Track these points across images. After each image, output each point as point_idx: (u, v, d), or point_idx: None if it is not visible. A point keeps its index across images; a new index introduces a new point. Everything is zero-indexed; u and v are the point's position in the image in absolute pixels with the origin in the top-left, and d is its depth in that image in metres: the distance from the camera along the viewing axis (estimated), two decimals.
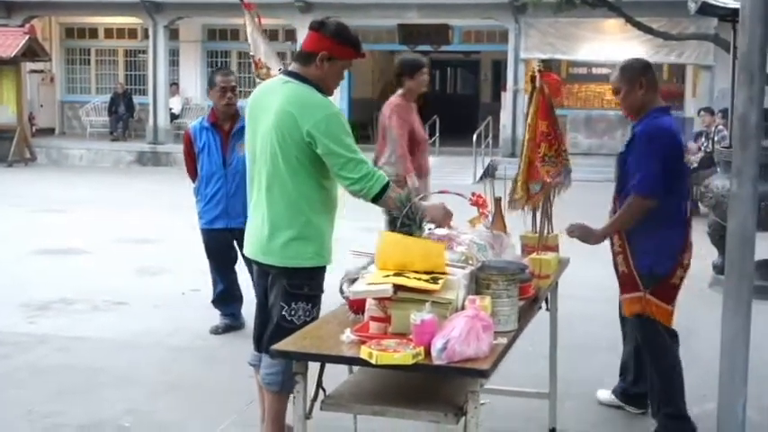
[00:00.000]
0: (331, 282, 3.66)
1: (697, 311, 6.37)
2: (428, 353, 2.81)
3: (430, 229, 3.67)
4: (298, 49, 3.87)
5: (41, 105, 22.71)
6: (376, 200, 3.74)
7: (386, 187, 3.71)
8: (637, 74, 4.46)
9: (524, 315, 3.38)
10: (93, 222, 11.23)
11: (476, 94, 26.41)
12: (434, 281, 3.03)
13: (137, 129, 21.86)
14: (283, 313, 3.78)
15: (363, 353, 2.81)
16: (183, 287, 7.59)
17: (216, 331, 6.20)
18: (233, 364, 5.40)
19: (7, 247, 9.59)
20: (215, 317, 6.33)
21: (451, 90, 28.79)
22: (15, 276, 8.14)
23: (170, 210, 12.00)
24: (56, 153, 20.84)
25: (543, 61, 19.75)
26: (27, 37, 19.49)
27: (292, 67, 3.86)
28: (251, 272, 4.40)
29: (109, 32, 23.30)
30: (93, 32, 23.32)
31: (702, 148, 12.97)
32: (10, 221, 11.54)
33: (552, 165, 4.16)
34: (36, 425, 4.58)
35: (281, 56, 22.36)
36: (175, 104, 21.83)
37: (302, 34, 19.97)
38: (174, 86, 21.90)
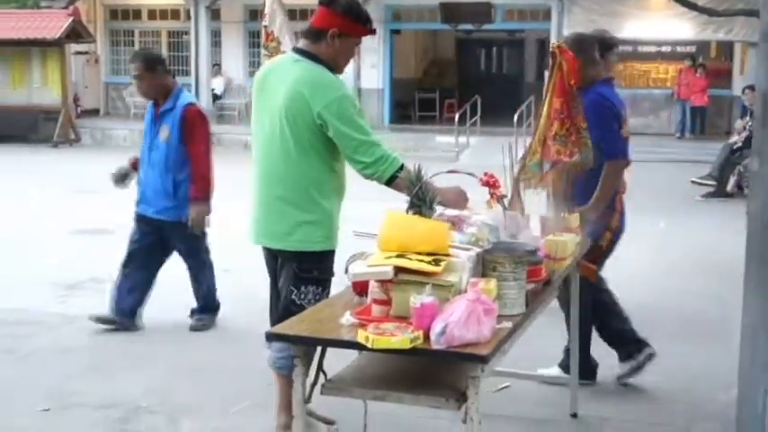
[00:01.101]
0: (340, 263, 3.60)
1: (737, 298, 6.20)
2: (428, 337, 2.74)
3: (441, 211, 3.59)
4: (307, 26, 3.79)
5: (86, 87, 22.91)
6: (389, 183, 3.68)
7: (399, 170, 3.65)
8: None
9: (535, 298, 3.29)
10: (132, 203, 11.26)
11: (520, 73, 26.12)
12: (437, 263, 2.96)
13: None
14: (293, 297, 3.76)
15: (360, 336, 2.75)
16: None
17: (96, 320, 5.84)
18: (252, 346, 5.36)
19: (45, 227, 9.68)
20: (241, 297, 6.31)
21: (496, 69, 28.52)
22: (50, 255, 8.21)
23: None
24: (100, 134, 21.04)
25: None
26: (71, 19, 19.67)
27: (302, 44, 3.80)
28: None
29: (152, 14, 23.43)
30: (137, 14, 23.47)
31: (747, 127, 12.68)
32: (50, 201, 11.67)
33: (563, 144, 4.06)
34: (55, 403, 4.61)
35: (297, 35, 22.38)
36: (218, 85, 21.92)
37: None
38: (216, 67, 21.98)
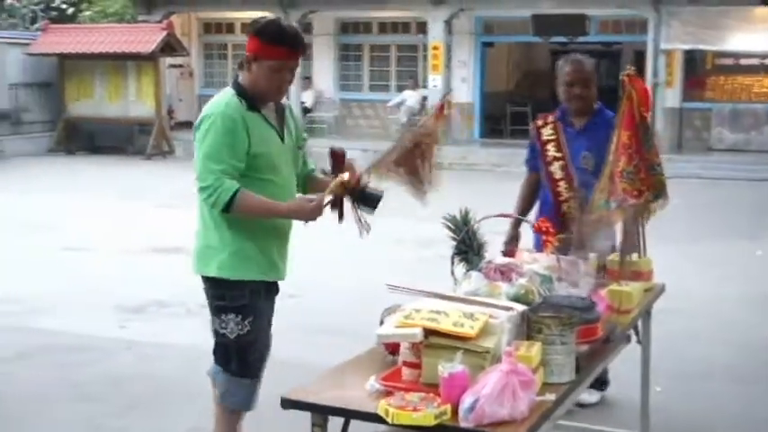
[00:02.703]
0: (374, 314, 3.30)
1: None
2: (456, 411, 2.45)
3: (489, 259, 3.29)
4: None
5: (180, 99, 23.21)
6: (227, 210, 3.49)
7: (234, 196, 3.44)
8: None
9: (589, 360, 2.96)
10: None
11: (616, 85, 25.33)
12: (472, 320, 2.65)
13: None
14: (215, 327, 3.68)
15: (380, 408, 2.47)
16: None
17: None
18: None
19: (120, 243, 9.70)
20: (309, 330, 6.07)
21: None
22: (120, 275, 8.19)
23: None
24: (192, 146, 21.24)
25: (686, 52, 18.78)
26: (165, 33, 19.96)
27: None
28: None
29: (245, 27, 23.52)
30: (230, 27, 23.68)
31: None
32: (131, 215, 11.74)
33: (630, 182, 3.69)
34: None
35: (413, 48, 22.26)
36: (308, 98, 21.91)
37: (433, 27, 19.79)
38: (306, 80, 21.98)
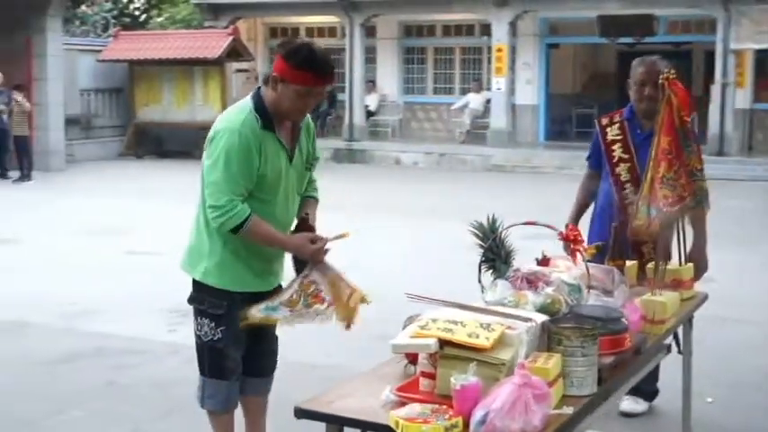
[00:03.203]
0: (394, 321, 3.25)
1: None
2: (468, 424, 2.39)
3: (516, 269, 3.22)
4: None
5: None
6: (235, 232, 3.50)
7: (244, 222, 3.45)
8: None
9: (614, 373, 2.87)
10: None
11: (686, 87, 24.78)
12: (488, 330, 2.59)
13: (334, 126, 22.14)
14: (194, 327, 3.79)
15: (391, 420, 2.42)
16: None
17: None
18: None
19: (181, 248, 9.80)
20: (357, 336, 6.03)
21: None
22: (174, 280, 8.20)
23: (361, 210, 11.84)
24: None
25: (757, 52, 18.29)
26: (231, 38, 20.21)
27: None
28: None
29: (310, 31, 23.75)
30: (295, 32, 23.81)
31: None
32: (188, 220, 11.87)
33: (670, 188, 3.57)
34: None
35: (477, 50, 22.12)
36: (371, 102, 21.96)
37: (497, 29, 19.65)
38: (369, 84, 22.03)
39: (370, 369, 2.92)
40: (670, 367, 4.21)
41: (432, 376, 2.67)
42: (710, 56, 21.09)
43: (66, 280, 8.26)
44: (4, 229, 11.06)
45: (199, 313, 3.73)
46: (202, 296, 3.69)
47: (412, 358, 2.86)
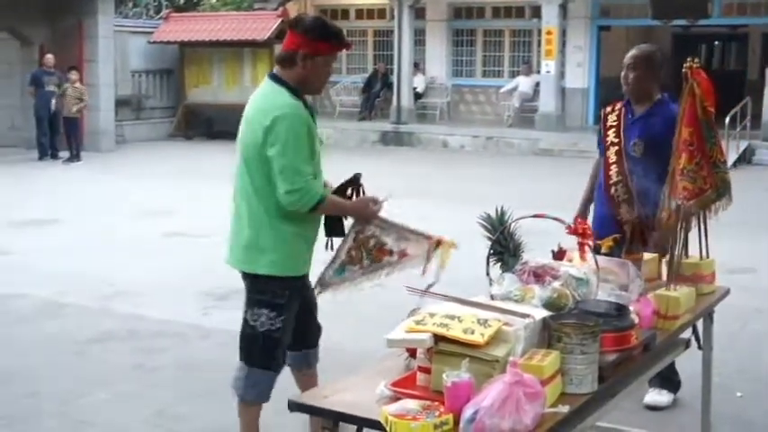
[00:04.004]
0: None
1: None
2: (458, 422, 2.37)
3: (524, 262, 3.18)
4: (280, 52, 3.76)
5: None
6: (312, 212, 3.64)
7: (319, 203, 3.59)
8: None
9: (617, 371, 2.82)
10: None
11: (743, 70, 24.31)
12: (484, 326, 2.56)
13: (382, 108, 22.08)
14: (246, 317, 3.78)
15: (381, 416, 2.41)
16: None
17: None
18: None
19: (223, 231, 9.85)
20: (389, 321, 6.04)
21: (717, 66, 26.77)
22: (213, 262, 8.28)
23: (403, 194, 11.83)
24: None
25: None
26: (280, 20, 20.24)
27: (276, 70, 3.73)
28: None
29: (359, 13, 23.71)
30: (345, 13, 23.81)
31: None
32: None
33: (691, 180, 3.49)
34: (158, 429, 4.56)
35: (527, 33, 21.86)
36: (419, 83, 21.85)
37: (547, 11, 19.38)
38: (416, 66, 21.91)
39: (368, 363, 2.91)
40: (698, 359, 4.14)
41: (428, 371, 2.65)
42: (767, 38, 20.64)
43: (105, 260, 8.38)
44: (50, 209, 11.27)
45: (256, 303, 3.72)
46: (263, 287, 3.70)
47: (412, 352, 2.84)
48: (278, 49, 18.55)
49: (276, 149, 3.51)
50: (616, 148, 4.63)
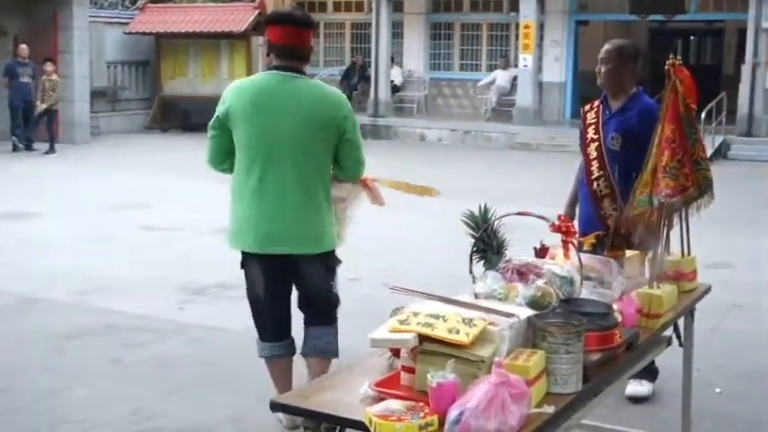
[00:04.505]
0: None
1: None
2: (443, 423, 2.34)
3: (507, 260, 3.15)
4: (288, 46, 4.07)
5: None
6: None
7: None
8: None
9: (601, 370, 2.80)
10: None
11: (718, 65, 24.47)
12: (469, 326, 2.53)
13: (360, 101, 22.00)
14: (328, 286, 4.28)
15: (365, 417, 2.38)
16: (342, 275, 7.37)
17: None
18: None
19: (199, 224, 9.79)
20: (374, 317, 6.01)
21: (693, 61, 26.91)
22: (189, 256, 8.28)
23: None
24: None
25: None
26: (257, 12, 20.14)
27: (293, 63, 4.07)
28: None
29: (337, 6, 23.64)
30: (323, 6, 23.73)
31: None
32: (215, 196, 11.85)
33: (673, 177, 3.48)
34: (135, 427, 4.51)
35: (505, 27, 21.86)
36: (396, 76, 21.81)
37: (525, 5, 19.36)
38: (395, 59, 21.86)
39: (354, 362, 2.87)
40: (679, 355, 4.15)
41: (412, 371, 2.62)
42: (743, 34, 20.76)
43: (81, 255, 8.29)
44: (24, 202, 11.12)
45: (333, 272, 4.27)
46: (333, 259, 4.26)
47: (396, 352, 2.80)
48: (255, 41, 18.28)
49: (356, 132, 4.14)
50: (596, 143, 4.66)
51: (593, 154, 4.65)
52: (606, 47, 4.72)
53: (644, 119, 4.41)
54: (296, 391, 2.65)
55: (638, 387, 4.78)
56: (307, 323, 4.33)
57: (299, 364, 4.39)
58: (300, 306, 4.37)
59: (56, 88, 16.69)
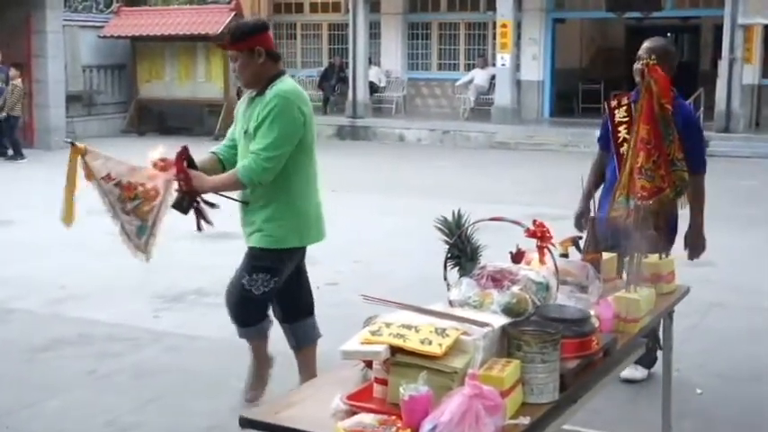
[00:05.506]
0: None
1: None
2: None
3: (482, 266, 3.10)
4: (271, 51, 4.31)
5: None
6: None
7: None
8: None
9: (578, 378, 2.76)
10: None
11: (695, 61, 24.57)
12: (442, 336, 2.48)
13: (338, 103, 21.94)
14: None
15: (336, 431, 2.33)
16: (320, 279, 7.29)
17: None
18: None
19: (175, 230, 9.66)
20: (350, 322, 5.96)
21: None
22: (164, 263, 8.07)
23: (358, 189, 11.73)
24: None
25: (767, 27, 17.98)
26: (233, 14, 20.00)
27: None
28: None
29: (314, 7, 23.55)
30: (299, 7, 23.64)
31: None
32: None
33: (649, 178, 3.45)
34: None
35: (482, 26, 21.82)
36: (373, 76, 21.75)
37: (502, 4, 19.33)
38: (373, 59, 21.80)
39: (325, 374, 2.82)
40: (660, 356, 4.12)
41: (385, 383, 2.57)
42: (719, 30, 20.85)
43: (55, 262, 8.19)
44: None
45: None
46: None
47: (368, 363, 2.75)
48: None
49: None
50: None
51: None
52: (646, 45, 4.70)
53: (686, 127, 4.31)
54: (266, 407, 2.58)
55: (633, 372, 4.90)
56: (298, 316, 4.62)
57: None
58: (293, 301, 4.62)
59: (15, 93, 16.46)
